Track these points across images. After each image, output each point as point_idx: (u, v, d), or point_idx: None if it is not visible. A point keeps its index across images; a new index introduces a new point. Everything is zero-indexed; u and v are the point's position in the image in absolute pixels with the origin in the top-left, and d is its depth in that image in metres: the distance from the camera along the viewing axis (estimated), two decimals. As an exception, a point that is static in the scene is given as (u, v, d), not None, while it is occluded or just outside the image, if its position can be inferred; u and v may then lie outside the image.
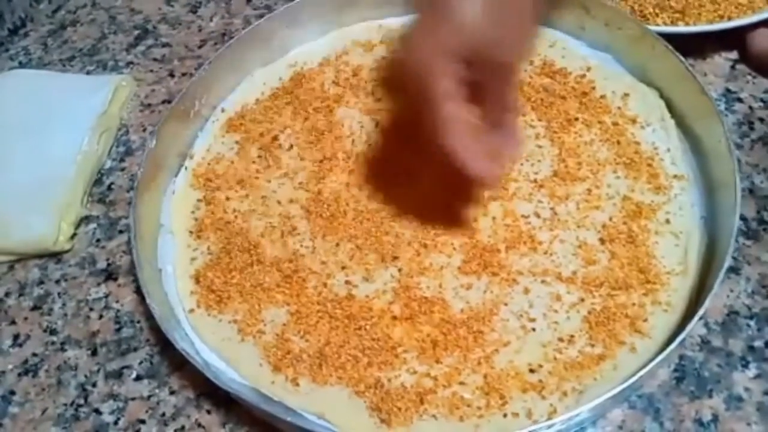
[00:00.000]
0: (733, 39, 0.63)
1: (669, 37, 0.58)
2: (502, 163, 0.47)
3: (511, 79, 0.45)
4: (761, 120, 0.59)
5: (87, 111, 0.65)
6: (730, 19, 0.62)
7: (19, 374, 0.53)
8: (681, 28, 0.62)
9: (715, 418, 0.45)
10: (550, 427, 0.42)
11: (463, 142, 0.43)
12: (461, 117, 0.43)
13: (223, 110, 0.65)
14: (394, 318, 0.50)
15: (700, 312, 0.44)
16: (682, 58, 0.57)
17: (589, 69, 0.62)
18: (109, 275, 0.57)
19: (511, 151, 0.48)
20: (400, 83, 0.45)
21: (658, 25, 0.63)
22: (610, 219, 0.53)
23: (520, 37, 0.44)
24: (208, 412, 0.49)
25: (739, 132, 0.58)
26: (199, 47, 0.74)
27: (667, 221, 0.52)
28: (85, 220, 0.61)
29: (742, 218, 0.52)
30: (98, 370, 0.52)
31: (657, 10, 0.64)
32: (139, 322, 0.54)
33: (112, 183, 0.63)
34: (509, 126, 0.47)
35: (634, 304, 0.48)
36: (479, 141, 0.44)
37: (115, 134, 0.67)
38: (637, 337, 0.47)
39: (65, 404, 0.51)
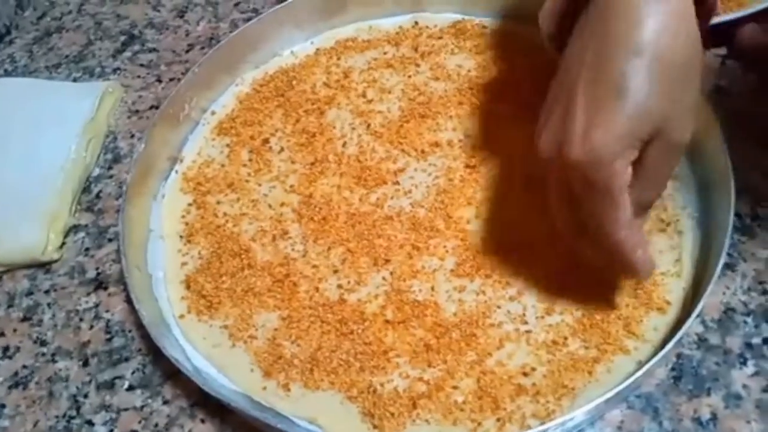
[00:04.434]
0: (722, 34, 0.62)
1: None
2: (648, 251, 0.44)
3: (677, 164, 0.42)
4: (752, 115, 0.59)
5: (74, 118, 0.64)
6: (717, 14, 0.62)
7: (9, 387, 0.52)
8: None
9: (714, 417, 0.45)
10: (543, 431, 0.42)
11: (632, 238, 0.41)
12: (630, 210, 0.40)
13: (213, 113, 0.65)
14: (387, 322, 0.49)
15: (697, 309, 0.44)
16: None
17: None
18: (99, 284, 0.57)
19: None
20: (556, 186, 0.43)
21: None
22: (604, 219, 0.52)
23: (693, 111, 0.40)
24: (202, 421, 0.48)
25: (731, 128, 0.58)
26: (187, 52, 0.73)
27: (661, 221, 0.52)
28: (74, 229, 0.60)
29: (736, 215, 0.51)
30: (90, 381, 0.51)
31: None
32: (130, 331, 0.54)
33: (100, 191, 0.63)
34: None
35: (627, 306, 0.48)
36: (639, 231, 0.43)
37: (102, 141, 0.66)
38: (632, 339, 0.47)
39: (57, 416, 0.50)
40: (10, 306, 0.56)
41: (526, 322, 0.48)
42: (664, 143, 0.39)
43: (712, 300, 0.49)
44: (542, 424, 0.43)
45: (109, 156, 0.65)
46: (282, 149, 0.61)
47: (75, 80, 0.72)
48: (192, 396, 0.49)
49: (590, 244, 0.44)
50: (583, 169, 0.39)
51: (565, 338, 0.47)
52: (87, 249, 0.59)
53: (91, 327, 0.54)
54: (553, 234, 0.47)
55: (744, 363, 0.47)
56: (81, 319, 0.55)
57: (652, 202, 0.43)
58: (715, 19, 0.60)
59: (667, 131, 0.39)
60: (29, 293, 0.57)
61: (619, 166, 0.38)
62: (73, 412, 0.50)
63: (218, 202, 0.58)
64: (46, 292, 0.57)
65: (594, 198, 0.40)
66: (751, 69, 0.62)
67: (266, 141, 0.61)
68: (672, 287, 0.49)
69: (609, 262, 0.44)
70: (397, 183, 0.57)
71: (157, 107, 0.68)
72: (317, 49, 0.68)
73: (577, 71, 0.40)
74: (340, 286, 0.51)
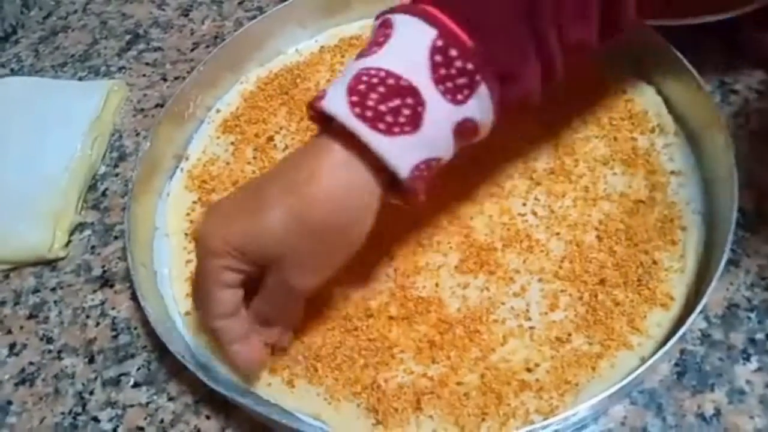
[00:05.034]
0: (727, 30, 0.62)
1: (662, 31, 0.58)
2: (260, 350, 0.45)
3: (298, 301, 0.44)
4: (757, 111, 0.59)
5: (80, 117, 0.65)
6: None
7: (16, 384, 0.52)
8: (673, 21, 0.61)
9: (718, 412, 0.45)
10: (547, 426, 0.42)
11: (229, 332, 0.43)
12: (231, 308, 0.42)
13: (218, 111, 0.65)
14: (391, 318, 0.49)
15: (700, 306, 0.44)
16: (678, 53, 0.56)
17: (585, 66, 0.62)
18: (105, 282, 0.57)
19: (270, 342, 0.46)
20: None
21: (650, 17, 0.63)
22: (608, 216, 0.52)
23: (320, 269, 0.42)
24: (207, 417, 0.49)
25: (735, 124, 0.58)
26: (191, 50, 0.73)
27: (665, 217, 0.52)
28: (80, 226, 0.61)
29: (740, 211, 0.51)
30: (96, 378, 0.52)
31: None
32: (135, 328, 0.54)
33: (106, 189, 0.63)
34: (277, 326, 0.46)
35: (631, 302, 0.48)
36: (241, 328, 0.43)
37: (108, 140, 0.66)
38: (635, 335, 0.47)
39: (63, 413, 0.50)
40: (16, 303, 0.57)
41: (529, 319, 0.48)
42: (280, 279, 0.41)
43: (715, 296, 0.49)
44: (546, 419, 0.43)
45: (115, 154, 0.66)
46: (287, 147, 0.61)
47: (80, 79, 0.73)
48: (197, 392, 0.50)
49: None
50: (197, 249, 0.42)
51: (569, 334, 0.47)
52: (93, 247, 0.59)
53: (97, 324, 0.55)
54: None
55: (747, 359, 0.47)
56: (87, 317, 0.55)
57: (271, 319, 0.44)
58: (720, 15, 0.61)
59: (283, 272, 0.40)
60: (36, 291, 0.57)
61: (216, 264, 0.40)
62: (79, 409, 0.50)
63: (223, 200, 0.58)
64: (53, 289, 0.57)
65: (197, 279, 0.42)
66: (756, 64, 0.62)
67: (271, 139, 0.62)
68: (675, 283, 0.49)
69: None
70: (401, 180, 0.57)
71: (162, 105, 0.68)
72: (321, 47, 0.68)
73: (258, 177, 0.43)
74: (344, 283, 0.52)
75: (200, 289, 0.42)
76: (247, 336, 0.44)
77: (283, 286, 0.41)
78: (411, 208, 0.43)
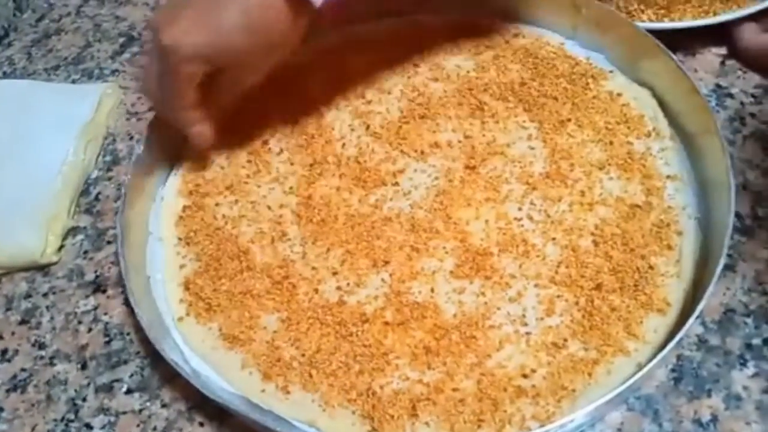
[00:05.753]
0: (722, 34, 0.63)
1: (658, 35, 0.58)
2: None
3: (238, 92, 0.56)
4: (752, 115, 0.59)
5: (73, 120, 0.64)
6: (715, 14, 0.62)
7: (8, 390, 0.52)
8: (667, 24, 0.62)
9: (715, 418, 0.45)
10: (544, 433, 0.42)
11: (189, 118, 0.55)
12: (195, 100, 0.53)
13: (211, 115, 0.65)
14: (386, 324, 0.49)
15: (697, 311, 0.44)
16: (674, 56, 0.56)
17: (581, 69, 0.62)
18: (98, 287, 0.56)
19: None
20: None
21: (644, 21, 0.63)
22: (604, 221, 0.52)
23: (264, 67, 0.54)
24: (201, 424, 0.48)
25: (731, 128, 0.58)
26: (186, 54, 0.73)
27: (661, 222, 0.52)
28: (72, 231, 0.60)
29: (736, 215, 0.51)
30: (88, 384, 0.51)
31: (642, 6, 0.63)
32: (128, 334, 0.53)
33: (99, 193, 0.63)
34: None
35: (628, 307, 0.48)
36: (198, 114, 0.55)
37: (101, 143, 0.66)
38: (632, 341, 0.46)
39: (55, 420, 0.50)
40: (8, 309, 0.56)
41: (525, 324, 0.48)
42: (233, 75, 0.53)
43: (712, 301, 0.49)
44: (542, 426, 0.42)
45: (108, 158, 0.65)
46: (281, 150, 0.61)
47: (74, 82, 0.72)
48: (191, 399, 0.49)
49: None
50: (165, 53, 0.49)
51: (565, 340, 0.47)
52: (86, 251, 0.59)
53: (90, 330, 0.54)
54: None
55: (744, 364, 0.47)
56: (79, 322, 0.55)
57: (225, 103, 0.57)
58: (714, 19, 0.61)
59: (237, 70, 0.53)
60: (28, 296, 0.57)
61: (189, 69, 0.50)
62: (72, 416, 0.50)
63: (217, 204, 0.58)
64: (45, 294, 0.57)
65: (167, 78, 0.51)
66: (752, 67, 0.62)
67: (265, 143, 0.61)
68: (672, 288, 0.48)
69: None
70: (397, 184, 0.57)
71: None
72: (316, 50, 0.68)
73: None
74: (339, 288, 0.51)
75: (168, 87, 0.52)
76: (203, 119, 0.55)
77: (234, 81, 0.54)
78: (318, 19, 0.52)
